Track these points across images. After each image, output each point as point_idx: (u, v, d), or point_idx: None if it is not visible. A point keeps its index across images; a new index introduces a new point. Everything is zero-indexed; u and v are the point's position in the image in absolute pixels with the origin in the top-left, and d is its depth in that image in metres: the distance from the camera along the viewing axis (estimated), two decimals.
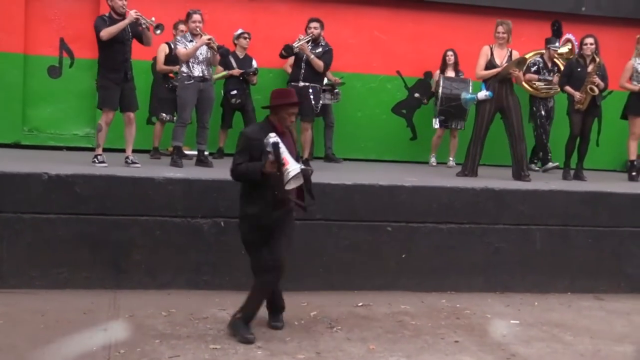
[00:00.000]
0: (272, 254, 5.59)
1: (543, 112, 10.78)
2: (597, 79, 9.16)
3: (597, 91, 9.16)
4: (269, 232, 5.61)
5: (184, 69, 8.65)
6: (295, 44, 9.08)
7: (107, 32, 7.78)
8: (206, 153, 8.92)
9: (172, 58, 9.47)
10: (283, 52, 9.24)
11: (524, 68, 9.69)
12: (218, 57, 8.81)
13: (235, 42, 10.14)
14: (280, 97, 5.70)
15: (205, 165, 8.59)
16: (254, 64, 10.09)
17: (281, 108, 5.64)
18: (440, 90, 10.22)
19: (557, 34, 10.82)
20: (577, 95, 9.23)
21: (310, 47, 9.19)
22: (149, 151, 9.79)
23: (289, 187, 5.38)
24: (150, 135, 9.91)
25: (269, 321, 6.01)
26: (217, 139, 10.07)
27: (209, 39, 8.55)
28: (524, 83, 10.21)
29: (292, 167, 5.31)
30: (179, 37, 8.86)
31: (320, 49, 9.28)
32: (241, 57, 10.13)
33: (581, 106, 9.25)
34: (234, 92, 9.92)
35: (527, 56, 10.45)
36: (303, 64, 9.18)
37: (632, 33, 10.72)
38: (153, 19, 8.15)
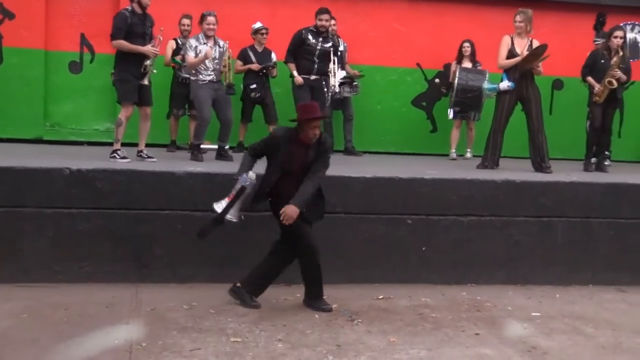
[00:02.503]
0: None
1: None
2: (618, 72, 9.03)
3: (615, 84, 9.03)
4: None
5: (194, 74, 8.71)
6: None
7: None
8: (226, 147, 8.95)
9: (179, 53, 9.59)
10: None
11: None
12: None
13: (253, 36, 10.15)
14: (303, 112, 6.11)
15: (225, 159, 8.62)
16: (274, 57, 10.10)
17: (305, 123, 5.99)
18: (456, 81, 10.16)
19: (596, 27, 10.67)
20: (597, 87, 9.14)
21: (320, 42, 9.18)
22: (166, 145, 9.89)
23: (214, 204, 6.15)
24: (168, 130, 10.01)
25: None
26: (237, 133, 10.09)
27: (212, 56, 8.66)
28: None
29: (222, 207, 6.09)
30: (191, 40, 8.87)
31: (329, 44, 9.29)
32: (260, 50, 10.14)
33: (598, 99, 9.15)
34: (254, 85, 9.95)
35: None
36: (316, 58, 9.17)
37: None
38: None
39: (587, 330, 6.21)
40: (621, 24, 10.29)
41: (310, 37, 9.22)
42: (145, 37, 8.01)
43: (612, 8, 11.18)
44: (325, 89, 9.26)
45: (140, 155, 8.08)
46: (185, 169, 7.12)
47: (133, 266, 6.85)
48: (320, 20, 9.25)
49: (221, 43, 8.83)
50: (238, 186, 6.06)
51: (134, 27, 7.89)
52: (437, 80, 11.08)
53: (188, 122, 10.12)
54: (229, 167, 7.58)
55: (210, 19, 8.74)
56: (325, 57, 9.34)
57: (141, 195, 6.87)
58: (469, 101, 10.15)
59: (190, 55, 8.70)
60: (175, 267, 6.92)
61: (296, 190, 5.99)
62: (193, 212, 6.94)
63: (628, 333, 6.16)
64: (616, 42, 9.11)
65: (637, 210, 7.88)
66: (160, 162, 7.84)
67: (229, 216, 6.08)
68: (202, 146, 8.78)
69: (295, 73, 9.36)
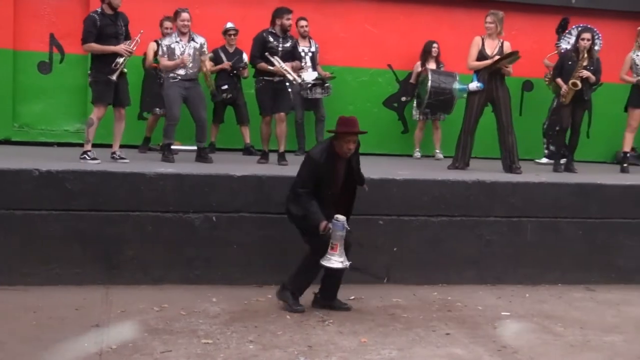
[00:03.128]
0: None
1: None
2: (583, 72, 9.12)
3: (579, 85, 9.09)
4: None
5: (166, 71, 8.64)
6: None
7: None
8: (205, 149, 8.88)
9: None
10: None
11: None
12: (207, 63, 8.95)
13: (224, 36, 10.12)
14: (341, 125, 6.13)
15: (204, 161, 8.52)
16: (245, 57, 10.07)
17: (341, 136, 6.08)
18: (429, 84, 10.12)
19: (558, 31, 10.76)
20: (564, 88, 9.22)
21: (281, 42, 9.05)
22: (138, 146, 9.80)
23: (324, 262, 5.99)
24: (140, 131, 9.94)
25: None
26: (209, 134, 10.04)
27: (185, 62, 8.53)
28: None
29: (336, 260, 5.96)
30: (165, 40, 8.78)
31: (289, 43, 9.14)
32: (231, 51, 10.12)
33: (564, 99, 9.24)
34: (225, 86, 9.91)
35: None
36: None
37: (622, 26, 10.74)
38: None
39: (556, 329, 6.28)
40: (574, 27, 10.43)
41: (271, 38, 9.10)
42: (118, 36, 7.94)
43: (580, 11, 11.29)
44: (290, 90, 9.19)
45: (114, 157, 8.01)
46: (156, 170, 7.09)
47: (103, 268, 6.81)
48: (289, 19, 9.14)
49: (197, 39, 8.72)
50: (338, 234, 5.93)
51: (106, 28, 7.83)
52: (403, 98, 11.34)
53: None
54: (200, 169, 7.57)
55: (184, 15, 8.63)
56: (287, 57, 9.21)
57: (112, 196, 6.83)
58: (439, 103, 10.17)
59: (164, 58, 8.64)
60: (145, 269, 6.89)
61: (337, 204, 6.23)
62: (164, 213, 6.92)
63: (596, 331, 6.24)
64: (583, 44, 9.19)
65: (605, 210, 7.98)
66: (131, 163, 7.80)
67: (343, 263, 6.01)
68: (173, 147, 8.72)
69: (270, 67, 9.08)
